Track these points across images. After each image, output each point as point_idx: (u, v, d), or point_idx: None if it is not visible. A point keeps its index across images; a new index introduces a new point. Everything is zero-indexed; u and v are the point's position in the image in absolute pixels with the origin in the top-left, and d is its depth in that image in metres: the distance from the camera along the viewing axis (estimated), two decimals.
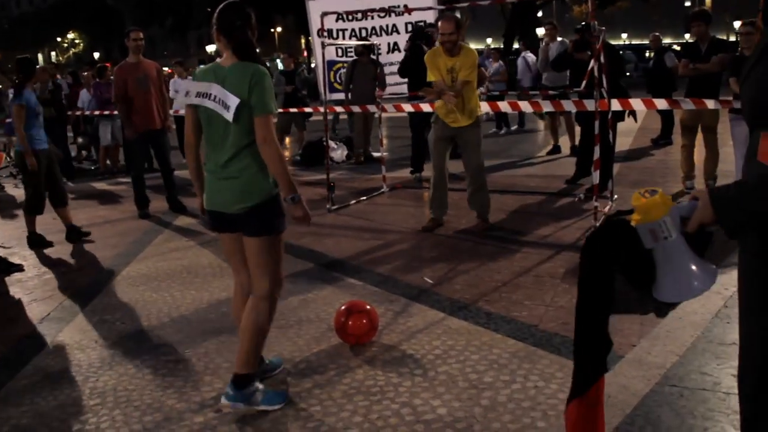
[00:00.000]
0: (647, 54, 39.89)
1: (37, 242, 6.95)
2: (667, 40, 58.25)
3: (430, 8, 10.05)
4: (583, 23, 8.28)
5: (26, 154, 6.69)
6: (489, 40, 61.39)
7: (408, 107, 8.91)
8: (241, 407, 3.25)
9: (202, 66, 3.36)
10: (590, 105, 6.70)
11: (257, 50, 3.29)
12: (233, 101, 3.09)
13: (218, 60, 3.36)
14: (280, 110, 11.60)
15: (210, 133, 3.27)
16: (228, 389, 3.28)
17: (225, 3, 3.27)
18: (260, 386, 3.33)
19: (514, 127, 14.73)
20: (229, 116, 3.11)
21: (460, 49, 6.33)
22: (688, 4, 60.65)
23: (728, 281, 4.66)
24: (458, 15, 7.86)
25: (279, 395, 3.38)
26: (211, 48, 55.46)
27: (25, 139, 6.68)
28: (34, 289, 5.61)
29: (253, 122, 3.12)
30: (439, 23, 6.32)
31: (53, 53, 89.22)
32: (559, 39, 11.39)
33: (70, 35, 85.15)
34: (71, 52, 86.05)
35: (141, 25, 42.38)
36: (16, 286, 5.70)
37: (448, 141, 6.62)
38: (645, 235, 1.92)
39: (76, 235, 7.11)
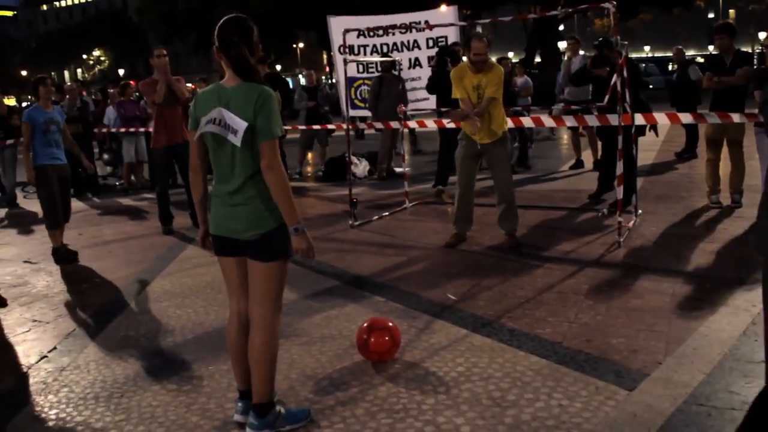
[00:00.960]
0: (670, 66, 39.70)
1: (62, 257, 7.03)
2: (690, 53, 57.91)
3: (451, 24, 10.08)
4: (601, 39, 8.27)
5: (27, 169, 7.02)
6: (511, 54, 61.46)
7: (431, 123, 8.93)
8: None
9: (204, 89, 3.19)
10: (613, 120, 6.67)
11: (254, 67, 3.10)
12: (241, 125, 2.96)
13: (220, 81, 3.19)
14: (303, 127, 11.69)
15: (218, 159, 3.14)
16: (251, 419, 3.22)
17: (225, 17, 3.14)
18: (281, 409, 3.29)
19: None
20: (237, 141, 2.98)
21: (487, 66, 6.33)
22: (711, 15, 60.34)
23: (756, 298, 4.62)
24: (479, 29, 7.90)
25: (302, 411, 3.37)
26: None
27: (26, 155, 7.03)
28: (59, 305, 5.67)
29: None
30: (472, 42, 6.31)
31: (79, 70, 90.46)
32: (581, 53, 11.36)
33: (96, 52, 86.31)
34: (96, 69, 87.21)
35: (164, 41, 42.92)
36: (42, 302, 5.76)
37: (475, 158, 6.60)
38: None
39: (60, 256, 7.13)
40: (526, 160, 11.81)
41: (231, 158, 3.08)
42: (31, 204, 11.39)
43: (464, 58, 7.67)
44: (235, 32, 3.08)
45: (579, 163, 11.35)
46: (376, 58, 11.14)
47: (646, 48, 69.69)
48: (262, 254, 3.13)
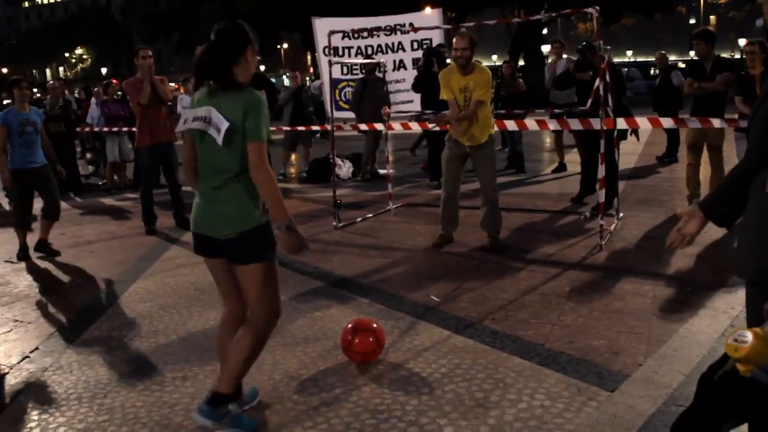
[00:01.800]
0: (652, 71, 39.99)
1: (43, 249, 7.21)
2: (672, 57, 58.32)
3: (436, 27, 10.12)
4: (585, 43, 8.33)
5: (1, 171, 7.02)
6: (494, 57, 61.69)
7: (415, 125, 8.96)
8: (209, 425, 3.23)
9: (201, 89, 3.21)
10: (596, 124, 6.72)
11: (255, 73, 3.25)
12: (224, 125, 3.00)
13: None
14: (287, 128, 11.68)
15: (203, 156, 3.19)
16: (202, 405, 3.24)
17: (224, 23, 3.19)
18: (233, 409, 3.30)
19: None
20: (219, 139, 3.01)
21: (473, 68, 6.31)
22: (693, 21, 60.88)
23: (734, 301, 4.69)
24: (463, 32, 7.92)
25: (251, 421, 3.35)
26: None
27: (2, 157, 6.95)
28: (41, 305, 5.64)
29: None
30: (454, 39, 6.34)
31: (61, 68, 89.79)
32: (565, 57, 11.42)
33: (78, 50, 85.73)
34: (79, 67, 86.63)
35: (148, 40, 42.65)
36: (24, 302, 5.73)
37: (461, 160, 6.60)
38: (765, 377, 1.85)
39: (43, 249, 7.28)
40: (521, 164, 11.87)
41: (216, 156, 3.11)
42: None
43: (448, 60, 7.69)
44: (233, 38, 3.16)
45: (562, 167, 11.41)
46: (361, 60, 11.16)
47: (629, 52, 70.18)
48: (239, 256, 3.15)
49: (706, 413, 2.17)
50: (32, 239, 7.26)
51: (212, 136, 3.05)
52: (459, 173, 6.67)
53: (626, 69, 35.90)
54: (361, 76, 11.32)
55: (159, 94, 7.92)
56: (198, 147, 3.21)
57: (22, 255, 7.18)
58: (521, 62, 41.93)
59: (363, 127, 9.71)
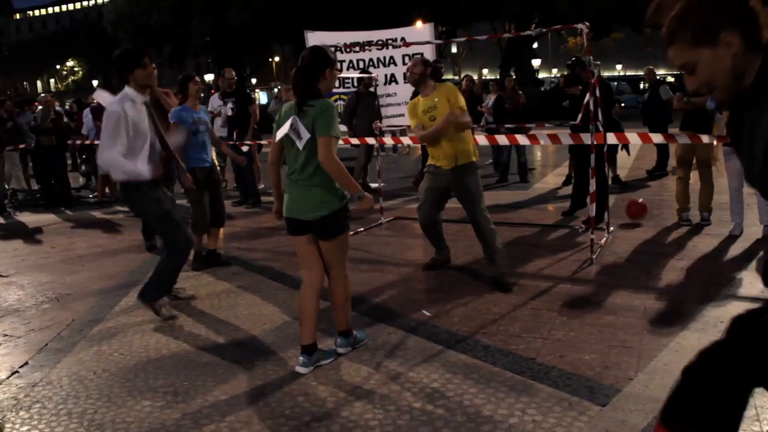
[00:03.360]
0: (642, 85, 40.26)
1: None
2: (661, 72, 58.73)
3: (427, 42, 10.17)
4: (574, 58, 8.39)
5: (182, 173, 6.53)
6: (485, 71, 62.00)
7: (406, 140, 8.97)
8: (350, 350, 4.47)
9: (288, 102, 4.23)
10: (586, 138, 6.76)
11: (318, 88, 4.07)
12: (305, 135, 3.97)
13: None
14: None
15: (292, 155, 4.12)
16: (340, 341, 4.46)
17: (308, 50, 4.17)
18: (356, 333, 4.58)
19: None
20: (300, 144, 4.01)
21: (434, 87, 6.03)
22: None
23: (724, 314, 4.71)
24: (454, 49, 7.94)
25: (363, 333, 4.69)
26: (209, 77, 55.79)
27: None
28: (31, 319, 5.61)
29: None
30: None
31: (52, 80, 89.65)
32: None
33: (70, 62, 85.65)
34: (70, 79, 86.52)
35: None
36: (14, 316, 5.70)
37: (439, 192, 6.13)
38: None
39: (215, 260, 7.10)
40: (525, 174, 11.95)
41: (301, 155, 4.05)
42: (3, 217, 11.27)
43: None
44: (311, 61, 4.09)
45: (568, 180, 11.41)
46: (353, 74, 11.20)
47: (618, 67, 70.58)
48: (324, 233, 4.14)
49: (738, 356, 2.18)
50: (15, 253, 7.23)
51: (295, 139, 4.03)
52: (435, 209, 6.22)
53: (616, 83, 36.14)
54: (353, 89, 11.36)
55: (162, 107, 7.77)
56: (289, 148, 4.13)
57: (202, 264, 6.92)
58: (512, 76, 42.24)
59: (354, 141, 9.71)
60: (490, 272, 5.96)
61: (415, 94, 9.78)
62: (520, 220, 8.58)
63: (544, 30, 7.29)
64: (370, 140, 9.23)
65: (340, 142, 10.29)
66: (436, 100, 5.98)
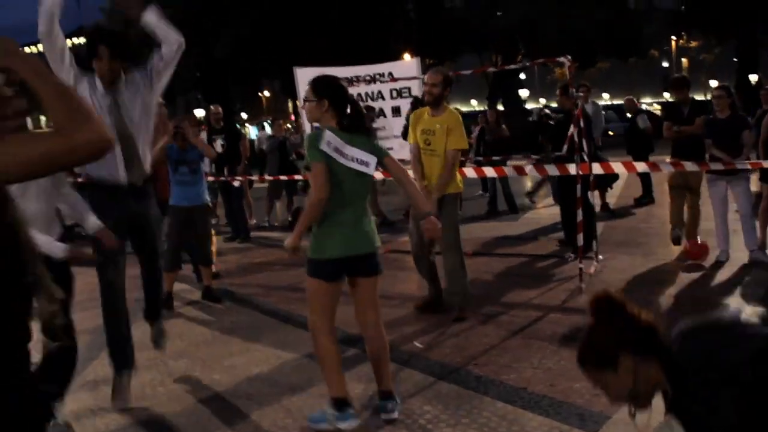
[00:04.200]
0: (628, 114, 40.68)
1: None
2: (647, 99, 59.48)
3: (414, 78, 10.33)
4: (563, 86, 8.55)
5: None
6: (474, 102, 62.44)
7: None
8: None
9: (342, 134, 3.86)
10: (572, 169, 6.88)
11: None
12: (372, 159, 3.86)
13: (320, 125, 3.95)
14: (270, 177, 11.80)
15: (355, 187, 3.87)
16: (394, 404, 3.97)
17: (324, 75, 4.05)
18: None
19: None
20: (370, 170, 3.88)
21: (444, 110, 5.94)
22: (665, 64, 62.02)
23: None
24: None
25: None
26: (199, 113, 56.00)
27: None
28: None
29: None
30: (427, 75, 6.11)
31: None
32: (591, 100, 11.27)
33: None
34: None
35: None
36: None
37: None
38: None
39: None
40: (513, 205, 12.11)
41: (363, 185, 3.93)
42: None
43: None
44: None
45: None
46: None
47: (605, 95, 71.38)
48: (377, 265, 3.96)
49: None
50: None
51: (364, 170, 3.85)
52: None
53: (603, 112, 36.51)
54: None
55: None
56: (351, 181, 3.83)
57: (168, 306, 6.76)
58: (500, 107, 42.60)
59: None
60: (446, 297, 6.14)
61: (406, 128, 9.84)
62: (510, 251, 8.68)
63: (527, 63, 7.45)
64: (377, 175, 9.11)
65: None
66: (437, 126, 5.84)
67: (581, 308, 5.97)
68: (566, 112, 7.99)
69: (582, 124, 6.83)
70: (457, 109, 6.41)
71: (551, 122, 8.89)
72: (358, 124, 3.93)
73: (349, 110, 3.91)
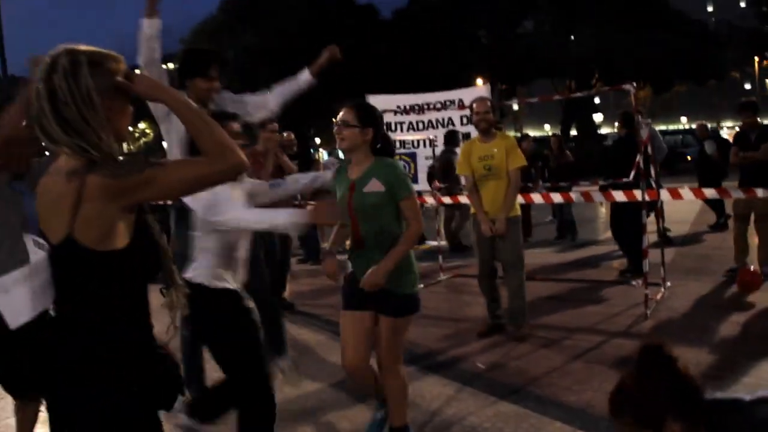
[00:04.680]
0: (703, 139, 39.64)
1: None
2: (728, 123, 57.78)
3: (472, 101, 10.45)
4: (625, 112, 8.54)
5: None
6: (547, 127, 62.00)
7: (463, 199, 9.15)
8: None
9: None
10: (638, 195, 6.89)
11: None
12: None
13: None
14: None
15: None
16: None
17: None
18: None
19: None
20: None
21: (495, 135, 6.16)
22: (748, 86, 60.42)
23: None
24: (515, 106, 8.17)
25: None
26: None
27: None
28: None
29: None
30: (474, 105, 6.25)
31: (125, 143, 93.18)
32: (646, 125, 11.11)
33: (141, 125, 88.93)
34: (142, 140, 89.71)
35: None
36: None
37: (486, 241, 6.11)
38: None
39: None
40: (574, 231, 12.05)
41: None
42: None
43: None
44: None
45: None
46: (413, 136, 11.53)
47: (684, 119, 69.81)
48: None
49: None
50: None
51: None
52: (492, 253, 6.18)
53: (681, 136, 35.69)
54: (413, 150, 11.68)
55: (283, 170, 7.28)
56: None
57: None
58: (573, 131, 42.16)
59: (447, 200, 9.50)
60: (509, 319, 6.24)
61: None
62: (575, 276, 8.71)
63: (591, 92, 7.53)
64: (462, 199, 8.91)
65: (432, 201, 10.36)
66: (495, 150, 6.03)
67: (645, 334, 6.01)
68: (622, 138, 8.02)
69: (645, 150, 6.86)
70: (526, 134, 6.56)
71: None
72: (389, 154, 3.85)
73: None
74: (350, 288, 3.80)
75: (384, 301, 3.65)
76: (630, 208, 7.32)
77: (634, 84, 6.50)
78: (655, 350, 1.99)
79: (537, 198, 7.99)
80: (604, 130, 48.33)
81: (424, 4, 39.20)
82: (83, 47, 1.93)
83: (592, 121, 43.56)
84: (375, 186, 3.58)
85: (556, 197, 8.10)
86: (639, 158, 6.88)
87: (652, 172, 7.00)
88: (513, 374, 5.14)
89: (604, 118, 56.13)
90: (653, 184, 7.01)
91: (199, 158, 1.94)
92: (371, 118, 3.68)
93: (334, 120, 3.75)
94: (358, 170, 3.68)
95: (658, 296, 7.16)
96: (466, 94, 11.85)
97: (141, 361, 1.99)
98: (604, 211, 14.94)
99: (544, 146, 14.17)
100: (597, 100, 49.85)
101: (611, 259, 9.80)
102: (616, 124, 8.81)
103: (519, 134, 52.00)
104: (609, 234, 11.66)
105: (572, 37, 35.64)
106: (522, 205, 7.02)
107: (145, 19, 4.12)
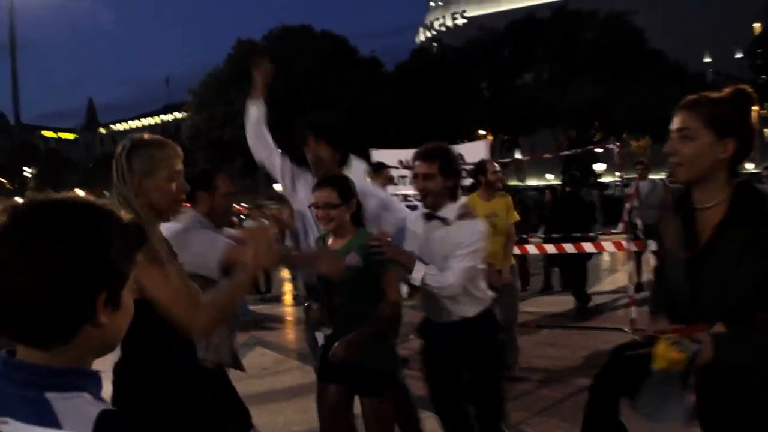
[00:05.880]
0: None
1: None
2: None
3: (483, 160, 10.92)
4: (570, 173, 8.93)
5: None
6: (549, 176, 62.49)
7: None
8: None
9: None
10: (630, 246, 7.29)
11: None
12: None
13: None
14: None
15: None
16: None
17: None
18: None
19: None
20: None
21: (494, 195, 6.62)
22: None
23: None
24: (518, 155, 8.60)
25: None
26: (278, 187, 57.54)
27: None
28: None
29: None
30: (487, 164, 6.73)
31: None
32: (650, 177, 11.41)
33: None
34: None
35: (213, 164, 44.48)
36: None
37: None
38: (660, 377, 2.22)
39: None
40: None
41: None
42: None
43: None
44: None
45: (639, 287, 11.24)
46: (414, 190, 11.90)
47: None
48: None
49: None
50: None
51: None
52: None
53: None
54: (416, 203, 12.10)
55: None
56: None
57: None
58: (555, 188, 42.60)
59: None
60: None
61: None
62: (572, 323, 9.12)
63: (579, 150, 8.05)
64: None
65: (533, 248, 10.47)
66: (498, 208, 6.51)
67: None
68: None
69: (634, 202, 7.29)
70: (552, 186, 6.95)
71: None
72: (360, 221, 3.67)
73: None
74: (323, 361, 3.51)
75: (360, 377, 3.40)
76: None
77: (617, 143, 6.98)
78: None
79: (532, 249, 8.39)
80: (606, 179, 48.67)
81: (425, 57, 40.17)
82: (144, 135, 2.57)
83: (593, 171, 44.09)
84: (353, 260, 3.37)
85: (550, 248, 8.49)
86: (628, 208, 7.30)
87: (639, 223, 7.38)
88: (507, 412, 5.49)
89: (607, 168, 56.64)
90: (640, 236, 7.39)
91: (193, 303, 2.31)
92: (349, 189, 3.49)
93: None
94: (339, 242, 3.51)
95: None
96: (466, 149, 12.29)
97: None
98: (609, 260, 15.23)
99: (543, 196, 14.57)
100: (599, 149, 50.36)
101: (610, 307, 10.15)
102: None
103: (522, 184, 51.90)
104: (610, 283, 11.99)
105: (570, 88, 36.46)
106: (518, 256, 7.44)
107: (252, 100, 4.20)
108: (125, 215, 1.34)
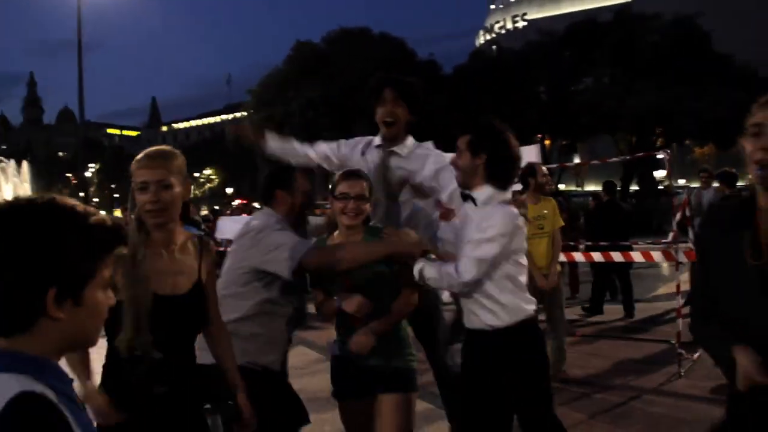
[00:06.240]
0: None
1: None
2: None
3: (532, 163, 10.75)
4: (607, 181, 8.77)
5: None
6: None
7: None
8: None
9: None
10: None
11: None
12: None
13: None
14: None
15: None
16: None
17: None
18: None
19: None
20: None
21: (541, 199, 6.72)
22: None
23: None
24: (577, 159, 8.49)
25: None
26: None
27: None
28: None
29: None
30: (536, 168, 6.71)
31: (192, 187, 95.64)
32: (714, 185, 11.12)
33: (207, 171, 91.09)
34: (207, 186, 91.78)
35: (271, 164, 45.06)
36: None
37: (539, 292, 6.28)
38: None
39: None
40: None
41: None
42: None
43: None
44: None
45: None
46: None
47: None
48: None
49: None
50: None
51: None
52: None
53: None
54: None
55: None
56: None
57: None
58: (635, 186, 41.79)
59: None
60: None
61: None
62: (618, 333, 8.91)
63: (628, 157, 7.85)
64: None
65: (581, 256, 10.52)
66: (545, 211, 6.65)
67: (676, 392, 6.18)
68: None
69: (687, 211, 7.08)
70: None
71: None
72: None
73: None
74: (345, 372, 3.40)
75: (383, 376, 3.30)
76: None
77: (668, 151, 6.77)
78: None
79: (579, 256, 8.23)
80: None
81: (483, 60, 39.89)
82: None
83: (653, 177, 43.13)
84: None
85: (597, 256, 8.32)
86: (679, 217, 7.12)
87: (690, 233, 7.17)
88: None
89: (667, 174, 55.29)
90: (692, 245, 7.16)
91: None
92: (371, 186, 3.40)
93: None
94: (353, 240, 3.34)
95: (695, 356, 7.26)
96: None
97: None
98: (661, 270, 14.89)
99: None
100: (660, 155, 49.10)
101: (657, 318, 9.90)
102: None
103: (581, 189, 50.93)
104: (657, 293, 11.76)
105: (631, 93, 35.69)
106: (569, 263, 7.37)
107: (262, 144, 4.35)
108: (100, 218, 1.40)
